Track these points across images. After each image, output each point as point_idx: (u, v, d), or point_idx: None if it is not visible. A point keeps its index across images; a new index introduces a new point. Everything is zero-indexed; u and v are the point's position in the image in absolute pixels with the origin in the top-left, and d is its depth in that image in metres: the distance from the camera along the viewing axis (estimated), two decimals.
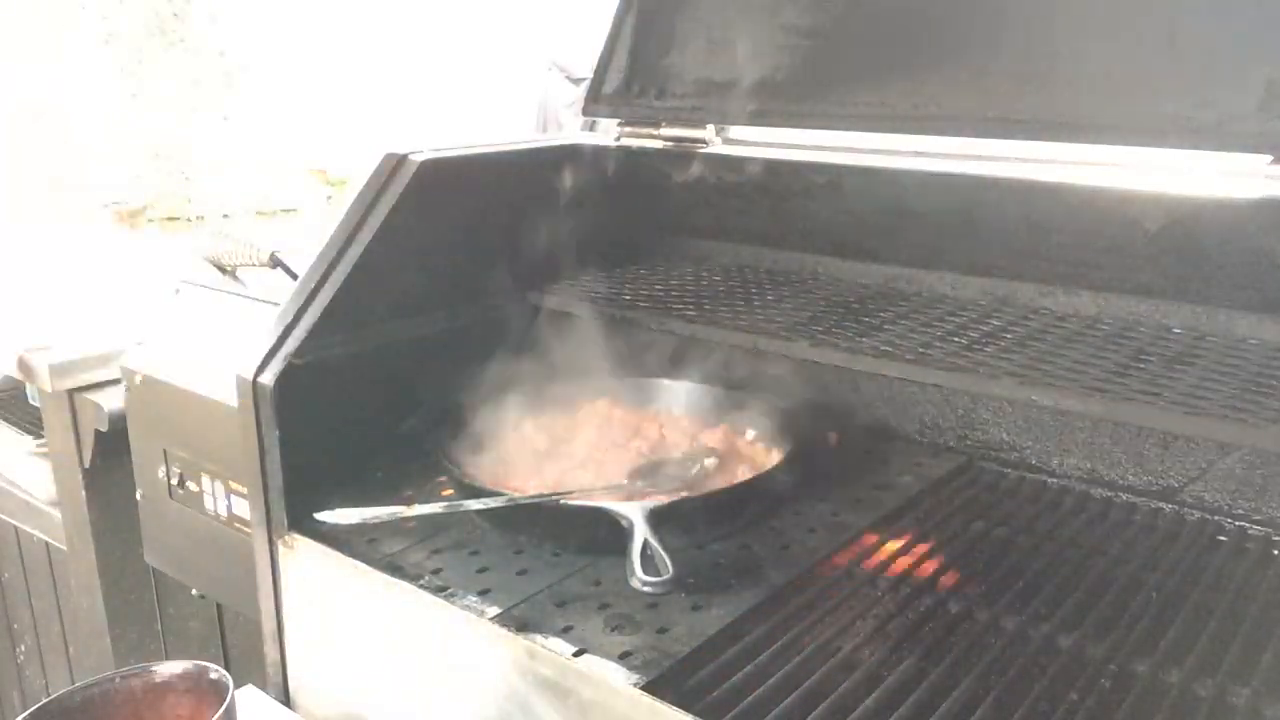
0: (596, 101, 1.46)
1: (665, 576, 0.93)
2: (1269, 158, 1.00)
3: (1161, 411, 0.94)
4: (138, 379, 1.40)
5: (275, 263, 1.56)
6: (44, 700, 0.96)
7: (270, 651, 1.19)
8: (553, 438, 1.27)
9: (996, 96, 1.16)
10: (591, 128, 1.53)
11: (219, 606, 1.68)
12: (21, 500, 1.87)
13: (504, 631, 0.94)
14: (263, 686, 1.18)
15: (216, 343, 1.43)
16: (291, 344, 1.13)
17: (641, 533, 0.98)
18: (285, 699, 1.18)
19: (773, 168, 1.35)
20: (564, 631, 0.94)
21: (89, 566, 1.71)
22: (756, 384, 1.30)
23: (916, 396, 1.37)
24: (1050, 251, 1.22)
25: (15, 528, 1.93)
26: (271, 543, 1.15)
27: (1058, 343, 1.12)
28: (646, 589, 0.93)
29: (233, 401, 1.14)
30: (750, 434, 1.28)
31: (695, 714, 0.81)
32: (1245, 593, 1.01)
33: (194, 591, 1.51)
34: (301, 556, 1.13)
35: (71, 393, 1.65)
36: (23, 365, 1.69)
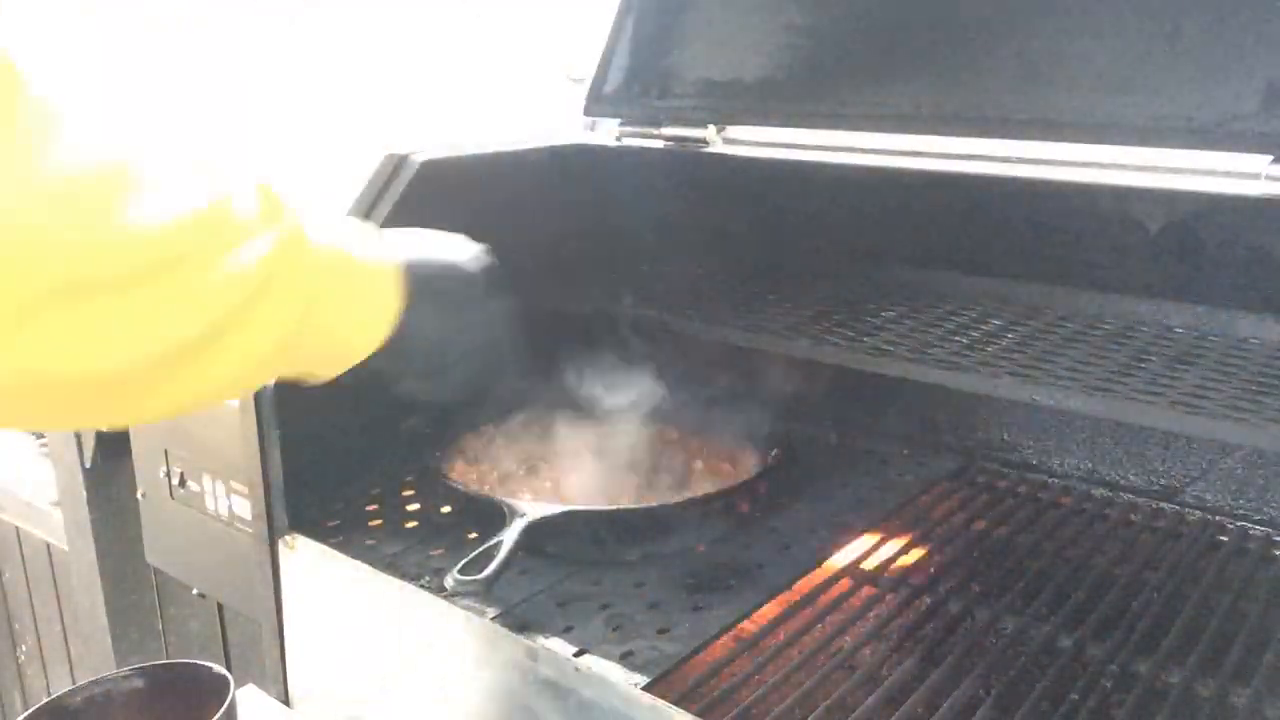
0: (597, 101, 1.46)
1: (477, 576, 0.93)
2: (1269, 158, 1.00)
3: (1163, 411, 0.94)
4: None
5: None
6: (45, 700, 0.96)
7: (270, 651, 1.19)
8: (539, 446, 1.27)
9: (996, 96, 1.16)
10: (593, 128, 1.53)
11: (219, 606, 1.68)
12: (22, 500, 1.87)
13: (504, 631, 0.94)
14: (263, 686, 1.18)
15: None
16: None
17: (511, 534, 0.99)
18: (285, 699, 1.18)
19: (773, 168, 1.35)
20: (565, 631, 0.94)
21: (90, 566, 1.71)
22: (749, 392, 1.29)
23: (917, 396, 1.37)
24: (1050, 251, 1.22)
25: (16, 528, 1.93)
26: (272, 543, 1.15)
27: (1058, 342, 1.12)
28: (456, 586, 0.94)
29: (233, 401, 1.14)
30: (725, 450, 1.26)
31: (695, 714, 0.81)
32: (1246, 593, 1.01)
33: (194, 591, 1.50)
34: (302, 556, 1.13)
35: None
36: None
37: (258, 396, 1.12)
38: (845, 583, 1.04)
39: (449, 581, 0.95)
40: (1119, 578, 1.04)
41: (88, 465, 1.66)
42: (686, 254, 1.51)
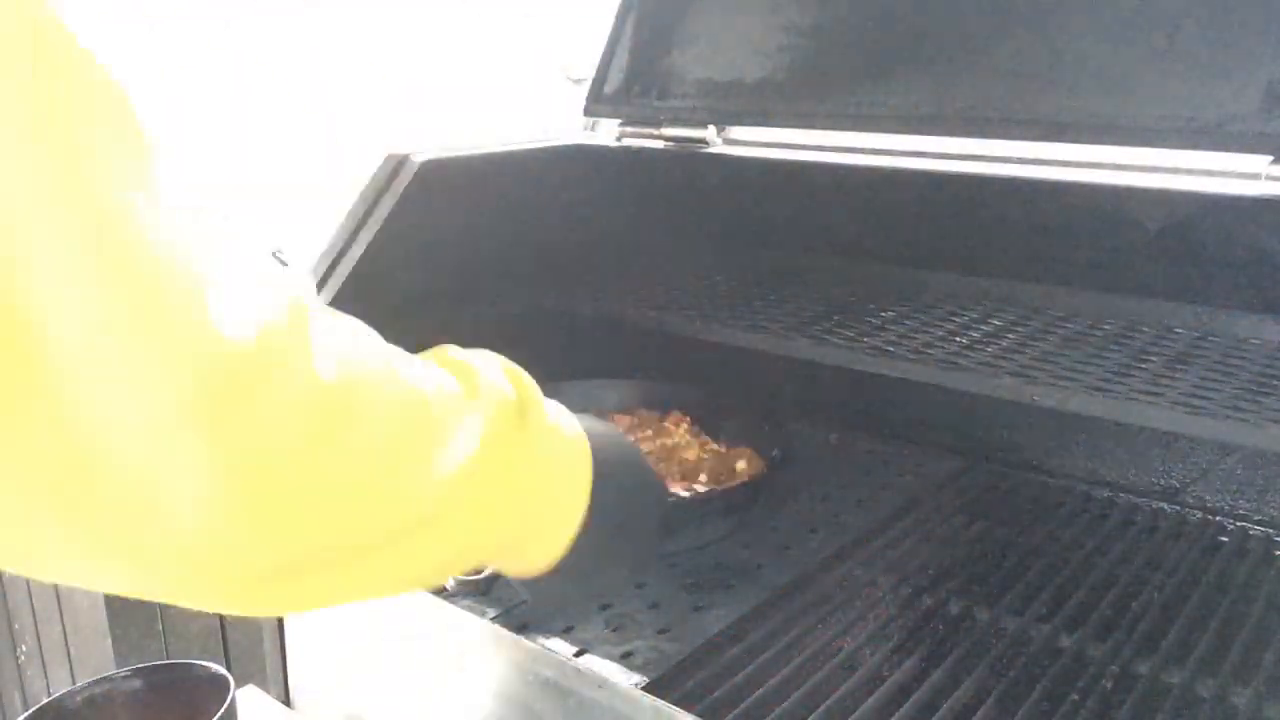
0: (598, 101, 1.46)
1: (477, 576, 0.95)
2: (1269, 158, 0.99)
3: (1163, 411, 0.94)
4: None
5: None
6: (44, 700, 0.96)
7: (270, 651, 1.19)
8: None
9: (996, 96, 1.16)
10: (593, 128, 1.53)
11: None
12: None
13: (504, 631, 0.94)
14: (263, 686, 1.17)
15: None
16: None
17: None
18: (285, 699, 1.18)
19: (773, 168, 1.35)
20: (565, 632, 0.94)
21: None
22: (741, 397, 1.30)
23: (917, 396, 1.36)
24: (1051, 251, 1.22)
25: None
26: None
27: (1059, 343, 1.12)
28: (456, 586, 0.96)
29: None
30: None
31: (696, 714, 0.81)
32: (1247, 593, 1.01)
33: None
34: None
35: None
36: None
37: None
38: (846, 583, 1.04)
39: (449, 582, 0.94)
40: (1119, 578, 1.04)
41: None
42: (686, 254, 1.51)
